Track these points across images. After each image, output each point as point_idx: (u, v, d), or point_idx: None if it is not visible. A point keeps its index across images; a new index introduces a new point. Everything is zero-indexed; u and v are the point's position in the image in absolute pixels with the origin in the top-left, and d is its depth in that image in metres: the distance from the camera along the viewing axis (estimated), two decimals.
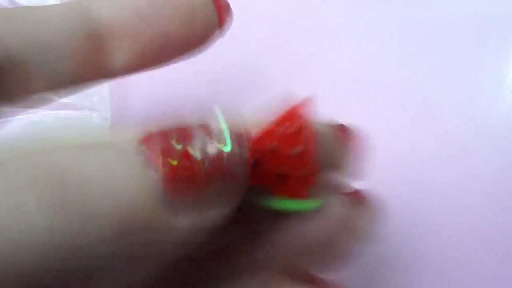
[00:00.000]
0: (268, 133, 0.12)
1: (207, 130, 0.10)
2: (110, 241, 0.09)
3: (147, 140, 0.10)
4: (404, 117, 0.26)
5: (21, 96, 0.15)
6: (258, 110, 0.13)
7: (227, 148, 0.10)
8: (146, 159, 0.10)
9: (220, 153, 0.10)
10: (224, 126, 0.10)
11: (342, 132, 0.16)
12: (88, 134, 0.10)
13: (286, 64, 0.28)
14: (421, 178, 0.25)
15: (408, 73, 0.27)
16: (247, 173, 0.11)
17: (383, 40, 0.27)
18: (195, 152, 0.10)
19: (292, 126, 0.12)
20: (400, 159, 0.26)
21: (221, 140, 0.10)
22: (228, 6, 0.17)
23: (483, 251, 0.24)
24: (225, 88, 0.28)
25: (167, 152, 0.10)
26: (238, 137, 0.10)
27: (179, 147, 0.10)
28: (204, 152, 0.10)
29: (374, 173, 0.26)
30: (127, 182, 0.09)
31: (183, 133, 0.10)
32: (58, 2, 0.28)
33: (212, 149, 0.10)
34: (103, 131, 0.17)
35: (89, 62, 0.15)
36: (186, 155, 0.10)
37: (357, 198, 0.15)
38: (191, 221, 0.10)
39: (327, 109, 0.28)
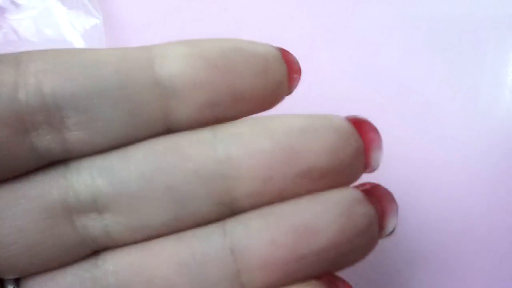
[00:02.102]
0: None
1: None
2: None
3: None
4: (404, 117, 0.26)
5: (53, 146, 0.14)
6: None
7: None
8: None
9: None
10: None
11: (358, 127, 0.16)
12: None
13: None
14: (421, 178, 0.25)
15: (408, 73, 0.27)
16: None
17: (383, 40, 0.27)
18: None
19: None
20: (399, 159, 0.26)
21: None
22: (297, 65, 0.16)
23: (483, 251, 0.24)
24: None
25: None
26: None
27: None
28: None
29: (373, 172, 0.26)
30: None
31: None
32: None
33: None
34: None
35: (149, 112, 0.14)
36: None
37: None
38: None
39: (327, 109, 0.28)
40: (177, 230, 0.15)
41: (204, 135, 0.15)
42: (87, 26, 0.27)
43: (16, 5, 0.28)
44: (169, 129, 0.15)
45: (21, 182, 0.14)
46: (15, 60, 0.14)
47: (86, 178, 0.15)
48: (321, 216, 0.14)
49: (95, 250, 0.15)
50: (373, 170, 0.16)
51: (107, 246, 0.15)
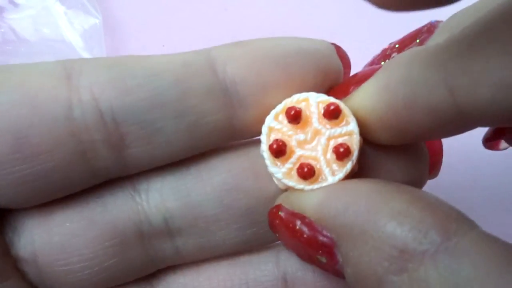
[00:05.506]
0: None
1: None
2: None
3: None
4: None
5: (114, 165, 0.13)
6: None
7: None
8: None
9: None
10: None
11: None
12: None
13: None
14: None
15: None
16: None
17: (383, 40, 0.27)
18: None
19: None
20: None
21: None
22: (349, 60, 0.15)
23: None
24: None
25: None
26: None
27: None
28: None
29: None
30: None
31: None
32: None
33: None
34: None
35: (214, 122, 0.13)
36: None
37: None
38: None
39: None
40: (247, 250, 0.15)
41: None
42: (86, 25, 0.27)
43: (15, 4, 0.27)
44: (232, 137, 0.14)
45: (89, 204, 0.14)
46: (65, 71, 0.13)
47: (158, 201, 0.14)
48: None
49: (159, 268, 0.15)
50: None
51: (174, 264, 0.15)
